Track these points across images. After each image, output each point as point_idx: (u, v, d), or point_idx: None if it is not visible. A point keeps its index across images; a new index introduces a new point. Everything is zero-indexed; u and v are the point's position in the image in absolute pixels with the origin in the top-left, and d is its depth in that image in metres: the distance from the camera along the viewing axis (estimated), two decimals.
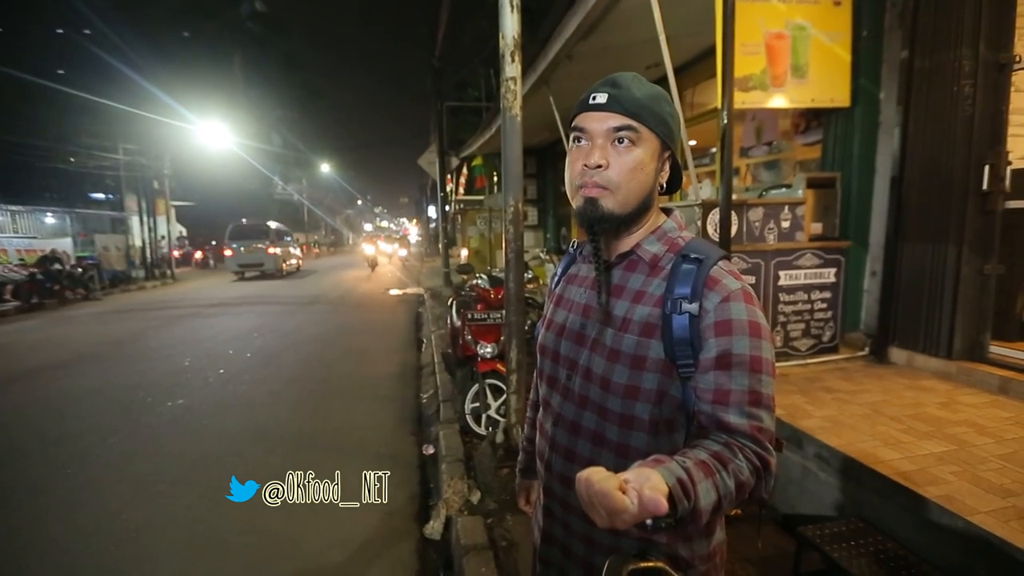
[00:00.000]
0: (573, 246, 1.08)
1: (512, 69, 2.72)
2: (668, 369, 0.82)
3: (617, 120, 0.83)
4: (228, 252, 17.02)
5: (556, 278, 1.08)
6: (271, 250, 16.99)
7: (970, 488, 1.90)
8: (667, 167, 0.90)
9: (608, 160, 0.84)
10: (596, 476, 0.61)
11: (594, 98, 0.86)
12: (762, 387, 0.79)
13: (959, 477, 1.98)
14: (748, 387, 0.78)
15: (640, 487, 0.60)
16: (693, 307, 0.80)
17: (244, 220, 18.05)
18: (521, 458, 1.24)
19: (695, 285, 0.81)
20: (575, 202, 0.88)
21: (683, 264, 0.84)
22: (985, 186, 2.97)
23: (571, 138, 0.90)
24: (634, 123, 0.83)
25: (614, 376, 0.85)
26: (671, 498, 0.63)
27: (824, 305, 3.52)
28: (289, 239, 19.48)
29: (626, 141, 0.84)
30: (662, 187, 0.91)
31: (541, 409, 1.03)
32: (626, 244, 0.91)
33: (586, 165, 0.85)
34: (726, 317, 0.79)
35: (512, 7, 2.69)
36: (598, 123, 0.85)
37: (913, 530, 1.89)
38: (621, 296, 0.89)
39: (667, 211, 0.95)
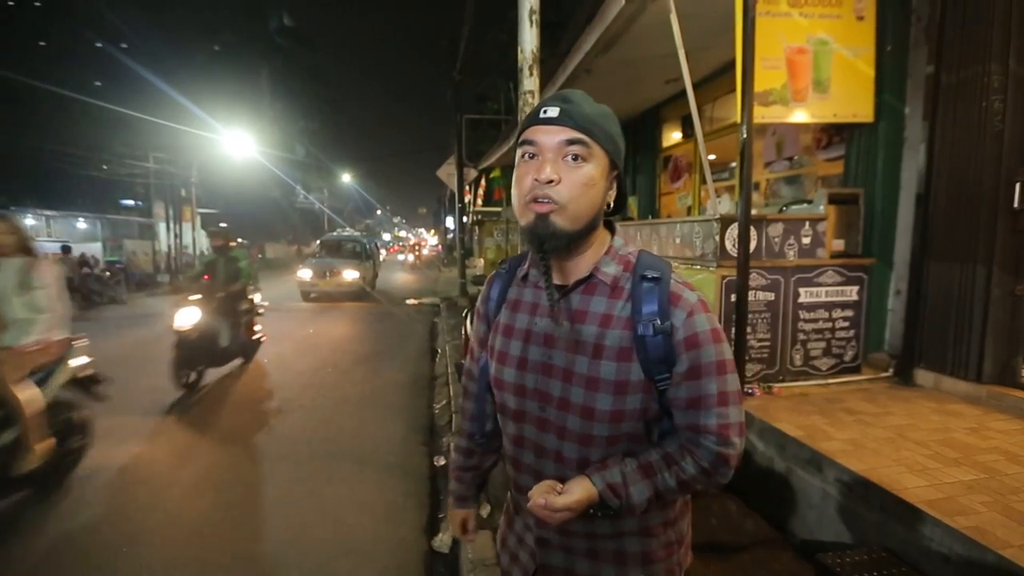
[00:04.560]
0: (504, 267, 1.04)
1: (530, 83, 2.75)
2: (648, 387, 0.85)
3: (569, 134, 0.82)
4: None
5: (490, 303, 1.03)
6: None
7: (1002, 520, 1.82)
8: (614, 187, 0.90)
9: (560, 175, 0.82)
10: (534, 494, 0.83)
11: (545, 111, 0.85)
12: (727, 386, 0.86)
13: (990, 508, 1.89)
14: (716, 390, 0.85)
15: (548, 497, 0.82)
16: (665, 325, 0.83)
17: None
18: (455, 487, 1.19)
19: (661, 303, 0.84)
20: (523, 219, 0.86)
21: (643, 283, 0.85)
22: (1016, 204, 2.88)
23: (518, 153, 0.88)
24: (586, 138, 0.83)
25: (597, 404, 0.85)
26: (602, 497, 0.83)
27: (846, 324, 3.43)
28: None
29: (578, 157, 0.83)
30: (609, 206, 0.90)
31: (510, 444, 0.98)
32: (581, 266, 0.89)
33: (536, 179, 0.82)
34: (693, 331, 0.83)
35: (531, 22, 2.72)
36: (549, 136, 0.83)
37: (940, 562, 1.81)
38: (586, 321, 0.87)
39: (606, 223, 0.93)
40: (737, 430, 0.86)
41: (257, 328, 6.13)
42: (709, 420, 0.85)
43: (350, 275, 11.98)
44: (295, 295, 12.34)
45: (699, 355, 0.84)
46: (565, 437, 0.88)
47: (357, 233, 18.77)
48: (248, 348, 5.97)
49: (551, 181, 0.82)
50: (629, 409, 0.85)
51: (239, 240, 16.86)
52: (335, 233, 16.99)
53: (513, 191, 0.88)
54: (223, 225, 6.32)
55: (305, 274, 12.06)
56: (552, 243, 0.84)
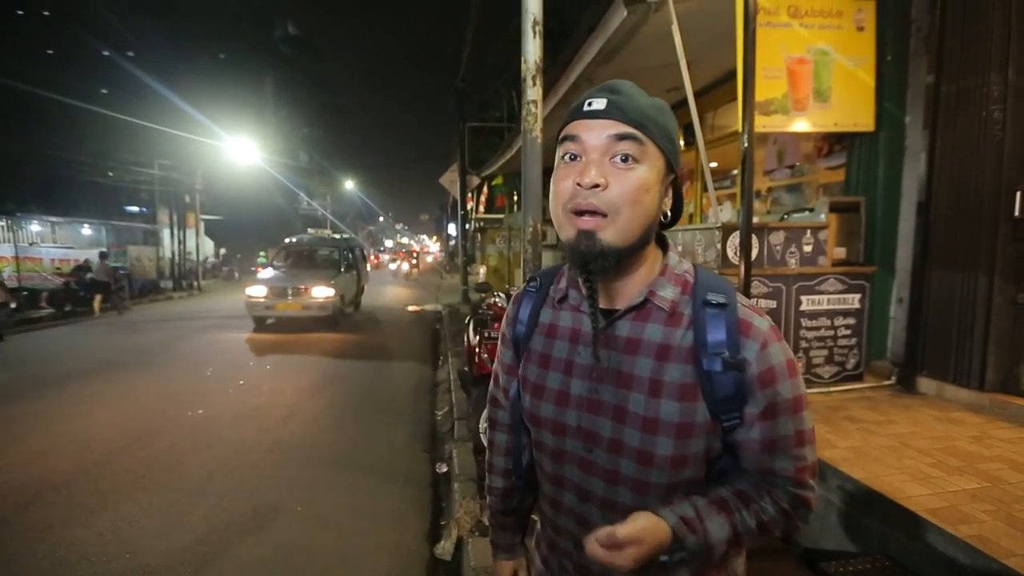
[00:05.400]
0: (534, 285, 0.90)
1: (533, 92, 2.78)
2: (714, 428, 0.73)
3: (618, 128, 0.70)
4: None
5: (519, 326, 0.89)
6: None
7: (1005, 528, 1.81)
8: (670, 193, 0.77)
9: (607, 179, 0.69)
10: (590, 545, 0.68)
11: (590, 104, 0.72)
12: (804, 424, 0.76)
13: (993, 516, 1.89)
14: (793, 430, 0.74)
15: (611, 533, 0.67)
16: (738, 359, 0.71)
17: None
18: (498, 537, 1.03)
19: (730, 333, 0.72)
20: (564, 233, 0.73)
21: (706, 309, 0.73)
22: (1017, 213, 2.90)
23: (558, 153, 0.75)
24: (638, 133, 0.70)
25: (657, 448, 0.72)
26: (675, 533, 0.68)
27: (848, 332, 3.43)
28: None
29: (629, 157, 0.70)
30: (665, 216, 0.77)
31: (548, 482, 0.86)
32: (631, 288, 0.77)
33: (579, 184, 0.70)
34: (768, 365, 0.72)
35: (534, 33, 2.76)
36: (595, 132, 0.71)
37: (943, 571, 1.80)
38: (639, 352, 0.75)
39: (658, 237, 0.81)
40: (812, 471, 0.76)
41: None
42: (785, 464, 0.75)
43: (321, 293, 8.89)
44: (247, 320, 9.23)
45: (775, 392, 0.72)
46: (618, 482, 0.76)
47: (337, 234, 14.27)
48: None
49: (596, 186, 0.69)
50: (693, 453, 0.73)
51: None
52: (306, 234, 12.29)
53: (551, 198, 0.75)
54: None
55: (257, 291, 8.80)
56: (598, 263, 0.71)
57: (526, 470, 0.96)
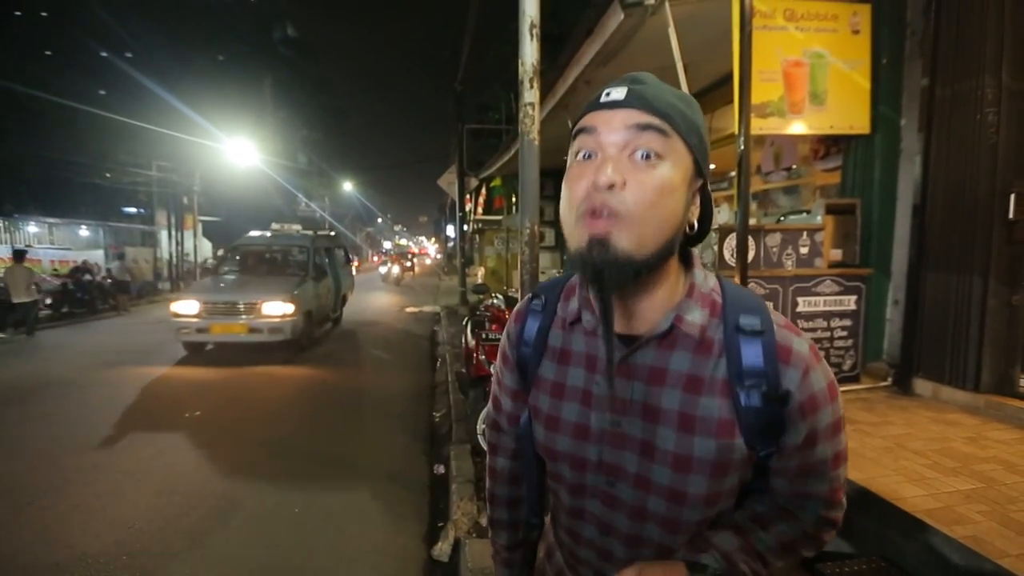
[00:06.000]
0: (538, 303, 0.80)
1: (531, 95, 2.79)
2: (751, 460, 0.68)
3: (640, 117, 0.61)
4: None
5: (524, 348, 0.80)
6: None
7: (999, 529, 1.82)
8: (698, 201, 0.68)
9: (624, 177, 0.60)
10: None
11: (608, 94, 0.64)
12: (840, 445, 0.71)
13: (987, 517, 1.90)
14: (831, 453, 0.69)
15: None
16: (780, 393, 0.65)
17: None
18: (503, 574, 0.95)
19: (768, 363, 0.65)
20: (574, 240, 0.63)
21: (739, 335, 0.66)
22: (1011, 215, 2.91)
23: (571, 150, 0.67)
24: (663, 124, 0.62)
25: (690, 488, 0.66)
26: (685, 561, 0.68)
27: (844, 333, 3.45)
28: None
29: (652, 154, 0.61)
30: (691, 228, 0.68)
31: (566, 514, 0.79)
32: (652, 309, 0.68)
33: (594, 183, 0.61)
34: (810, 393, 0.66)
35: (532, 35, 2.77)
36: (613, 124, 0.62)
37: (938, 572, 1.81)
38: (665, 383, 0.67)
39: (682, 252, 0.72)
40: (843, 489, 0.73)
41: None
42: (820, 487, 0.71)
43: (275, 310, 6.63)
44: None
45: (817, 420, 0.67)
46: (645, 519, 0.70)
47: (311, 230, 9.86)
48: None
49: (613, 185, 0.60)
50: (727, 489, 0.68)
51: None
52: (272, 229, 9.38)
53: (562, 201, 0.66)
54: None
55: (187, 308, 6.54)
56: (613, 276, 0.61)
57: (534, 500, 0.87)
